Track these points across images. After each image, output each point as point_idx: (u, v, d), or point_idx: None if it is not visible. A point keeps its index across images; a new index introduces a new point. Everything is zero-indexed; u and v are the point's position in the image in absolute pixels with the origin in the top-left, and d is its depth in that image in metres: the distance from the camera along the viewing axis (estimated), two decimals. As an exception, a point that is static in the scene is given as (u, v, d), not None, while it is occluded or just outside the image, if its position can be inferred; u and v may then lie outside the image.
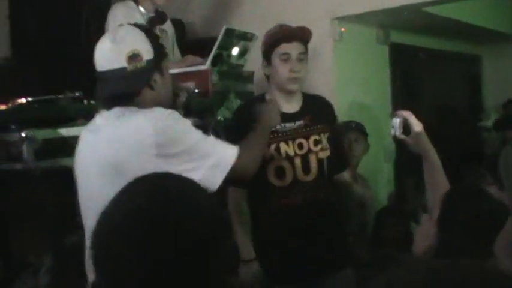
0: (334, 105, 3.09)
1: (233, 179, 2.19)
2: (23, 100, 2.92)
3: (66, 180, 2.82)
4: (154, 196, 1.19)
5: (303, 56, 2.79)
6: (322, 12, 4.12)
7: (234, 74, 3.49)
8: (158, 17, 3.90)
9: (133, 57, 2.07)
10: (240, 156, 2.12)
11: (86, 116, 2.97)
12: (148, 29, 2.22)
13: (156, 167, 1.90)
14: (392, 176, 4.99)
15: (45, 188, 2.72)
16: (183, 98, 3.00)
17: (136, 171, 1.94)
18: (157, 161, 1.97)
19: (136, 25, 2.21)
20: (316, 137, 2.82)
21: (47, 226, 2.44)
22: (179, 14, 4.59)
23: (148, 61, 2.09)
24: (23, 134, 2.72)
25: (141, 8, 3.84)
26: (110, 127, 2.10)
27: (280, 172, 2.77)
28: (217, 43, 3.27)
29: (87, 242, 1.91)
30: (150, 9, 3.86)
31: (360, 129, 3.86)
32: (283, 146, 2.77)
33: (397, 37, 5.29)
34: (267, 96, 2.86)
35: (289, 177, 2.77)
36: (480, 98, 7.24)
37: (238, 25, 3.55)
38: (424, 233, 1.84)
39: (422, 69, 5.99)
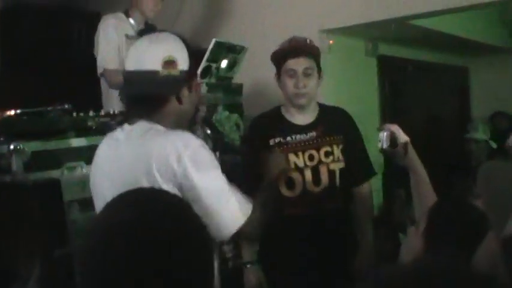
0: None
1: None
2: (12, 112, 2.92)
3: (55, 192, 2.83)
4: (138, 211, 1.18)
5: (310, 71, 2.79)
6: (310, 25, 4.14)
7: (222, 86, 3.50)
8: (148, 30, 3.90)
9: (169, 62, 2.00)
10: (247, 224, 1.97)
11: (76, 128, 2.99)
12: (188, 43, 2.14)
13: None
14: (380, 188, 5.01)
15: (34, 200, 2.72)
16: (202, 112, 2.98)
17: (127, 178, 1.91)
18: (168, 189, 1.84)
19: (179, 34, 2.11)
20: (328, 148, 2.83)
21: (36, 238, 2.44)
22: (169, 26, 4.60)
23: (182, 71, 2.02)
24: (12, 146, 2.72)
25: (131, 20, 3.86)
26: (131, 145, 1.99)
27: (290, 183, 2.80)
28: (206, 55, 3.28)
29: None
30: (140, 21, 3.88)
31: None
32: (292, 157, 2.80)
33: (385, 49, 5.33)
34: (282, 109, 2.90)
35: (298, 188, 2.80)
36: (468, 109, 7.28)
37: (228, 37, 3.57)
38: (411, 246, 1.85)
39: (410, 81, 6.03)
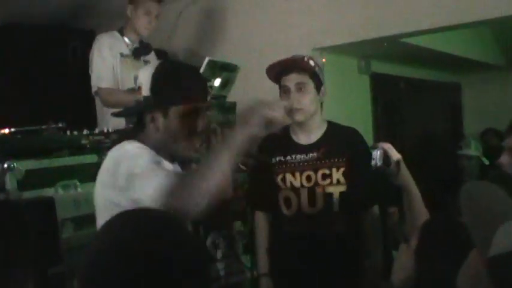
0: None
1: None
2: (6, 130, 2.93)
3: (49, 210, 2.83)
4: (139, 228, 1.20)
5: (303, 86, 2.77)
6: (304, 43, 4.17)
7: (216, 104, 3.51)
8: (143, 48, 3.94)
9: (138, 88, 2.11)
10: (169, 195, 1.81)
11: (70, 146, 3.00)
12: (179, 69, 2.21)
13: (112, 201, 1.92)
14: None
15: (28, 219, 2.72)
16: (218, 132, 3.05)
17: (99, 201, 2.00)
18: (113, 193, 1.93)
19: (173, 63, 2.21)
20: (326, 171, 2.80)
21: (29, 256, 2.44)
22: (163, 44, 4.63)
23: (144, 97, 2.09)
24: (6, 165, 2.72)
25: (126, 39, 3.88)
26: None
27: (287, 202, 2.83)
28: (200, 74, 3.30)
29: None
30: (135, 39, 3.90)
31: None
32: (288, 177, 2.82)
33: (378, 67, 5.36)
34: (290, 128, 2.89)
35: (294, 208, 2.81)
36: (460, 126, 7.32)
37: (221, 56, 3.60)
38: (402, 263, 1.86)
39: (403, 99, 6.06)
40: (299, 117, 2.79)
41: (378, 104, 5.41)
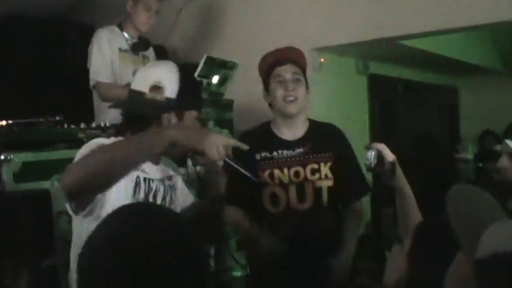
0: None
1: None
2: (3, 122, 2.93)
3: (45, 203, 2.84)
4: (139, 222, 1.22)
5: (298, 77, 2.78)
6: (302, 43, 4.16)
7: (213, 101, 3.53)
8: (142, 43, 3.94)
9: (157, 88, 2.11)
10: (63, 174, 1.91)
11: (66, 140, 3.00)
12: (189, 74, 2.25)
13: None
14: (369, 206, 5.03)
15: (23, 211, 2.72)
16: None
17: None
18: None
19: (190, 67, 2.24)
20: (315, 165, 2.80)
21: (24, 248, 2.44)
22: (162, 40, 4.64)
23: (168, 98, 2.12)
24: (2, 157, 2.73)
25: (125, 34, 3.88)
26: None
27: (274, 199, 2.78)
28: (197, 71, 3.31)
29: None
30: (134, 35, 3.90)
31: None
32: (277, 173, 2.78)
33: (376, 68, 5.38)
34: (271, 123, 2.88)
35: (282, 205, 2.77)
36: (457, 129, 7.34)
37: (220, 53, 3.60)
38: (395, 265, 1.86)
39: (400, 100, 6.08)
40: (292, 109, 2.78)
41: (375, 105, 5.42)
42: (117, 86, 3.71)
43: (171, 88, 2.12)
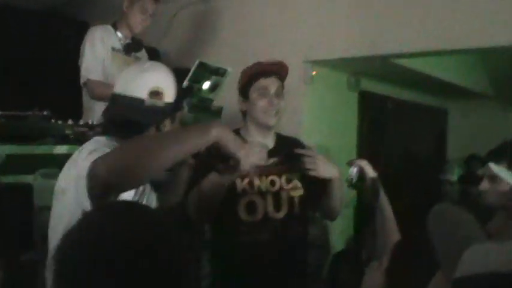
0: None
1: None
2: (-10, 114, 2.92)
3: (26, 196, 2.83)
4: (122, 218, 1.22)
5: (280, 91, 2.81)
6: (295, 54, 4.19)
7: (203, 107, 3.52)
8: (134, 44, 3.95)
9: (156, 93, 2.12)
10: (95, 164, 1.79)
11: (53, 135, 2.99)
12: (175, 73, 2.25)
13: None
14: (351, 221, 5.04)
15: (4, 203, 2.71)
16: None
17: (72, 198, 1.91)
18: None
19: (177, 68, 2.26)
20: (288, 175, 2.83)
21: (2, 240, 2.43)
22: (155, 42, 4.64)
23: (167, 103, 2.14)
24: (-13, 148, 2.72)
25: (119, 34, 3.89)
26: (79, 152, 2.05)
27: (251, 207, 2.76)
28: (189, 75, 3.31)
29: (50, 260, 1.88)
30: (127, 35, 3.91)
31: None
32: (256, 181, 2.78)
33: (367, 85, 5.40)
34: (242, 132, 2.86)
35: (260, 213, 2.77)
36: (444, 150, 7.38)
37: (213, 59, 3.60)
38: (372, 281, 1.88)
39: (390, 118, 6.10)
40: (273, 121, 2.81)
41: (364, 121, 5.44)
42: (108, 84, 3.70)
43: (169, 93, 2.15)
